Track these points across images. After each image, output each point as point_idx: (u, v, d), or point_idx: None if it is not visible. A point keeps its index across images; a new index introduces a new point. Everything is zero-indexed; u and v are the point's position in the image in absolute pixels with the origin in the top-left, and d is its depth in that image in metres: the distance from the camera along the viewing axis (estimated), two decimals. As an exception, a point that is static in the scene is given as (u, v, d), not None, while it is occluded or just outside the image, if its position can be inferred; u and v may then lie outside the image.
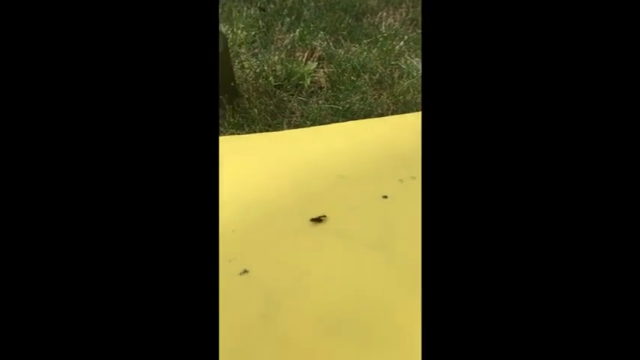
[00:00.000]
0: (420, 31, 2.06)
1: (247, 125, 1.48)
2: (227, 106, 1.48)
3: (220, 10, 1.98)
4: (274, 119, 1.53)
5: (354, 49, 1.84)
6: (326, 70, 1.74)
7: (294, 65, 1.71)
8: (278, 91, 1.63)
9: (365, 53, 1.79)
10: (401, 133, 1.30)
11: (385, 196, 1.09)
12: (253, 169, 1.20)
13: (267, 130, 1.48)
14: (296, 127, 1.52)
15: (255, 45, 1.83)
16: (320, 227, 0.93)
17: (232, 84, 1.54)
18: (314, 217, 0.89)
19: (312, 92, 1.66)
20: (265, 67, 1.70)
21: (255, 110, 1.53)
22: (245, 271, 0.87)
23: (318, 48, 1.82)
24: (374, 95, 1.63)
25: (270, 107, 1.56)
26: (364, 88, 1.63)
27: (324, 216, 0.85)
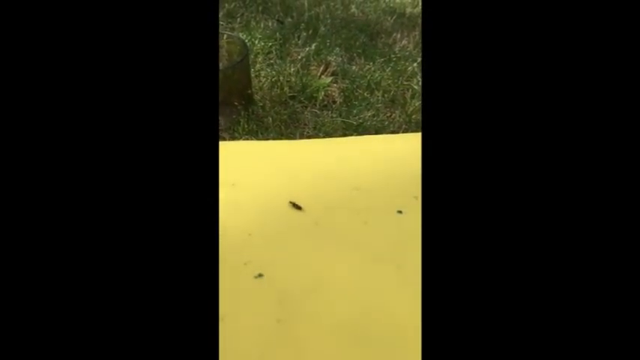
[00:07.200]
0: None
1: (261, 133, 1.50)
2: (242, 113, 1.50)
3: (239, 20, 2.01)
4: (287, 129, 1.55)
5: (367, 66, 1.87)
6: (340, 85, 1.76)
7: (309, 78, 1.73)
8: (292, 101, 1.65)
9: (379, 72, 1.82)
10: (416, 150, 1.31)
11: (400, 212, 1.10)
12: (270, 174, 1.21)
13: (280, 139, 1.50)
14: (308, 137, 1.53)
15: (271, 56, 1.86)
16: (334, 238, 0.94)
17: (249, 91, 1.56)
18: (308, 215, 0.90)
19: (325, 105, 1.68)
20: (281, 78, 1.72)
21: (270, 119, 1.54)
22: (260, 275, 0.88)
23: (333, 63, 1.85)
24: (386, 113, 1.65)
25: (284, 117, 1.57)
26: (377, 105, 1.66)
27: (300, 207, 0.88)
